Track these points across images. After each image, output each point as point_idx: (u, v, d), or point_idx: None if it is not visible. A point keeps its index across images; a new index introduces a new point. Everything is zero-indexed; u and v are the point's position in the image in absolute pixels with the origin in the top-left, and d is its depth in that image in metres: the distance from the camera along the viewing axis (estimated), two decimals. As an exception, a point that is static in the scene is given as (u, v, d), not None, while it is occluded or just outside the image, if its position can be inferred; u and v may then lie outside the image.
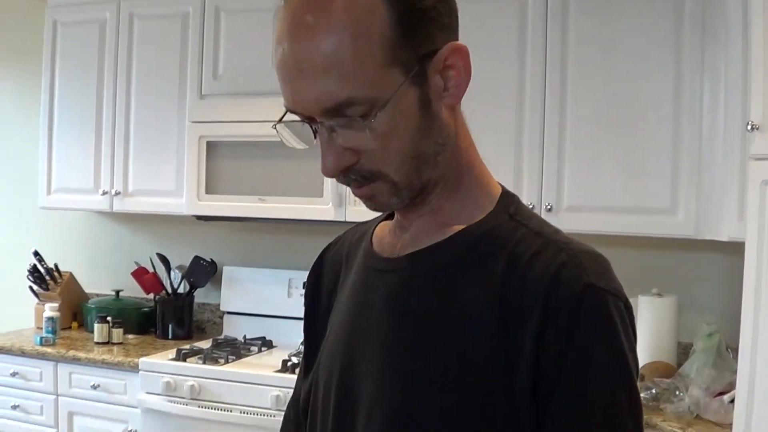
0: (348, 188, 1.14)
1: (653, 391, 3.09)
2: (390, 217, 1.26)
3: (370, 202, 1.14)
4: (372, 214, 1.25)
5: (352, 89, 1.02)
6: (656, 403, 3.05)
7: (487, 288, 1.08)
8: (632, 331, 1.08)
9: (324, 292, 1.33)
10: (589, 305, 1.04)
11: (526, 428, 1.03)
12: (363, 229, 1.31)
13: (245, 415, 3.52)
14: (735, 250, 2.88)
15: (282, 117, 1.10)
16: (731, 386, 2.84)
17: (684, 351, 3.47)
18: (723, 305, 3.47)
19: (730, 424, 2.66)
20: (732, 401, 2.75)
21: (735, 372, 2.66)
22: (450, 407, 1.07)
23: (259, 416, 3.50)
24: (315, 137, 1.08)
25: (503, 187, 1.20)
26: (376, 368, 1.13)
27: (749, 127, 2.57)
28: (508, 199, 1.18)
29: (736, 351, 2.67)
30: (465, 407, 1.06)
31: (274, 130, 1.12)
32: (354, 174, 1.10)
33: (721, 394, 2.95)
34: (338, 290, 1.28)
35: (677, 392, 3.02)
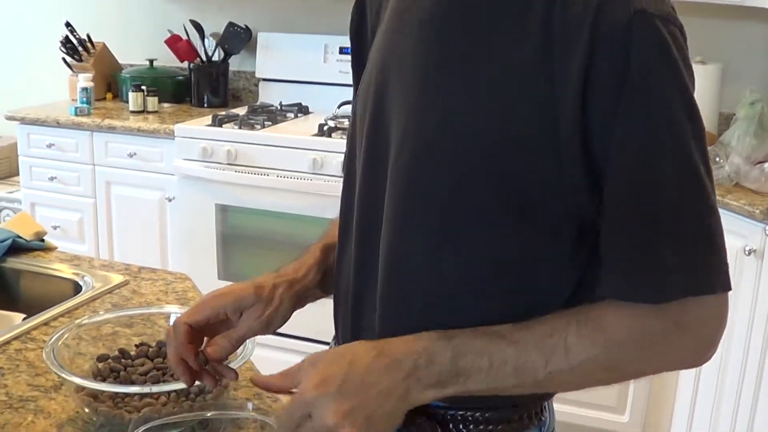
0: None
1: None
2: None
3: None
4: None
5: None
6: (697, 171, 2.95)
7: (529, 18, 0.97)
8: (689, 60, 0.96)
9: (367, 25, 1.23)
10: (641, 33, 0.91)
11: (570, 169, 0.96)
12: None
13: (282, 179, 3.44)
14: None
15: None
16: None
17: (725, 121, 3.38)
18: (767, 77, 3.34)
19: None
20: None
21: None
22: (485, 138, 0.98)
23: (296, 180, 3.42)
24: None
25: None
26: (408, 99, 1.04)
27: None
28: None
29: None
30: (502, 140, 0.97)
31: None
32: None
33: (761, 162, 2.93)
34: (380, 19, 1.17)
35: (717, 159, 2.99)
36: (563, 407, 3.23)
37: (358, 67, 1.25)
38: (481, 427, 1.08)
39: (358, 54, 1.26)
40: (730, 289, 0.96)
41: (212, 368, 1.16)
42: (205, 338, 1.17)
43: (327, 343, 1.29)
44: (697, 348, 0.99)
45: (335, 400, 0.96)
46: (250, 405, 1.23)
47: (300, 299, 1.23)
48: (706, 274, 0.95)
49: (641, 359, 1.00)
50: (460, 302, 1.04)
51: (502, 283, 1.03)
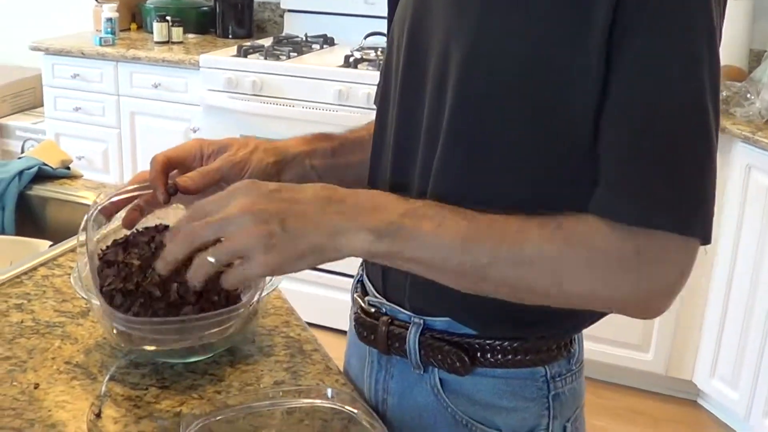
0: None
1: (723, 94, 2.96)
2: None
3: None
4: None
5: None
6: (726, 107, 2.96)
7: None
8: None
9: None
10: None
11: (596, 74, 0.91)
12: None
13: (307, 110, 3.41)
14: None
15: None
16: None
17: (756, 58, 3.32)
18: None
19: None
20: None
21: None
22: (518, 56, 0.94)
23: (321, 111, 3.38)
24: None
25: None
26: (448, 18, 1.01)
27: None
28: None
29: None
30: (538, 37, 0.93)
31: None
32: None
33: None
34: None
35: (748, 96, 2.93)
36: (587, 344, 3.21)
37: None
38: (509, 356, 1.05)
39: None
40: (708, 241, 0.90)
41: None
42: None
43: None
44: (650, 290, 0.92)
45: (247, 195, 0.91)
46: (330, 391, 1.11)
47: (282, 159, 1.18)
48: (689, 216, 0.89)
49: (589, 279, 0.91)
50: None
51: (532, 199, 0.97)
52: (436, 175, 1.02)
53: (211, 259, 0.90)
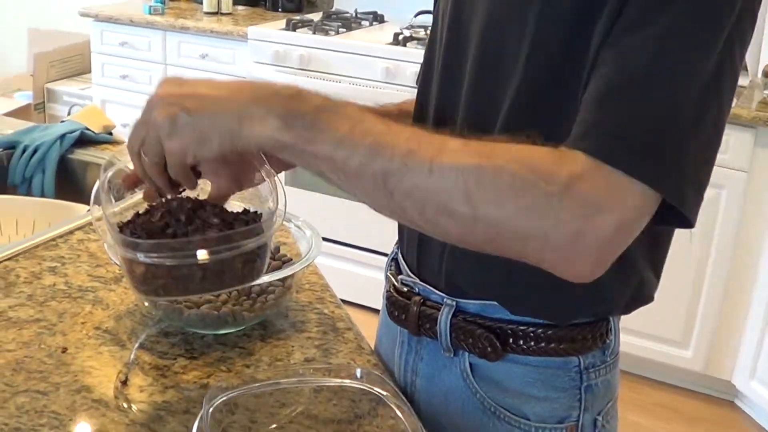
0: None
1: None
2: None
3: None
4: None
5: None
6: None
7: None
8: None
9: None
10: None
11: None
12: None
13: (354, 86, 3.38)
14: None
15: None
16: None
17: None
18: None
19: None
20: None
21: None
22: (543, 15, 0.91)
23: (368, 87, 3.35)
24: None
25: None
26: None
27: None
28: None
29: None
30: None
31: None
32: None
33: None
34: None
35: None
36: (625, 338, 3.16)
37: None
38: (542, 344, 1.02)
39: None
40: (690, 224, 0.82)
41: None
42: None
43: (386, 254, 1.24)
44: (575, 233, 0.78)
45: (160, 86, 0.89)
46: (359, 371, 1.07)
47: None
48: (656, 165, 0.79)
49: (506, 199, 0.79)
50: None
51: None
52: None
53: (144, 158, 0.89)
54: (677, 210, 0.81)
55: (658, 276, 1.06)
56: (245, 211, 0.99)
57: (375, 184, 0.83)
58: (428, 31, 3.52)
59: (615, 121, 0.80)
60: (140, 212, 0.98)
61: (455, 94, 1.02)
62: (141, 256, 0.89)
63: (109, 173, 1.02)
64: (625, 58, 0.81)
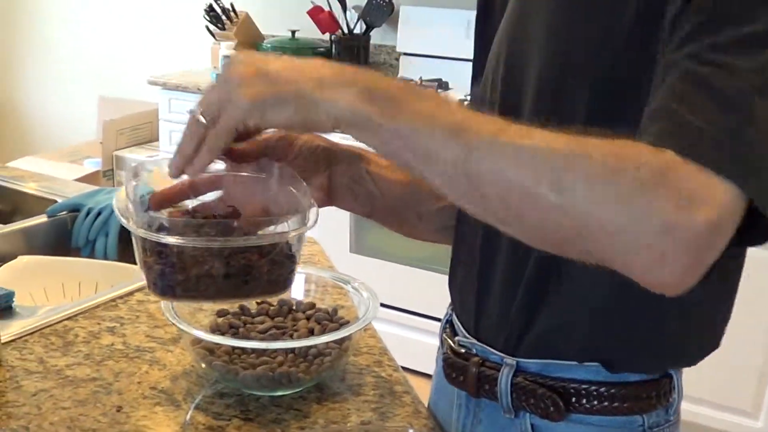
0: None
1: None
2: None
3: None
4: None
5: None
6: None
7: None
8: None
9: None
10: None
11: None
12: None
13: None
14: None
15: None
16: None
17: None
18: None
19: None
20: None
21: None
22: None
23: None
24: None
25: None
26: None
27: None
28: None
29: None
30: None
31: None
32: None
33: None
34: None
35: None
36: (692, 407, 3.09)
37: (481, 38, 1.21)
38: (606, 403, 1.00)
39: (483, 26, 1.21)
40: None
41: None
42: None
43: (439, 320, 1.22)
44: (667, 225, 0.73)
45: (247, 53, 0.87)
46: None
47: (332, 146, 1.10)
48: (742, 165, 0.74)
49: (594, 188, 0.75)
50: None
51: None
52: None
53: (201, 119, 0.85)
54: (758, 230, 0.76)
55: (726, 320, 1.04)
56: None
57: (455, 167, 0.78)
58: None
59: (703, 119, 0.76)
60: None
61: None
62: (165, 237, 0.90)
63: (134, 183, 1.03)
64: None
